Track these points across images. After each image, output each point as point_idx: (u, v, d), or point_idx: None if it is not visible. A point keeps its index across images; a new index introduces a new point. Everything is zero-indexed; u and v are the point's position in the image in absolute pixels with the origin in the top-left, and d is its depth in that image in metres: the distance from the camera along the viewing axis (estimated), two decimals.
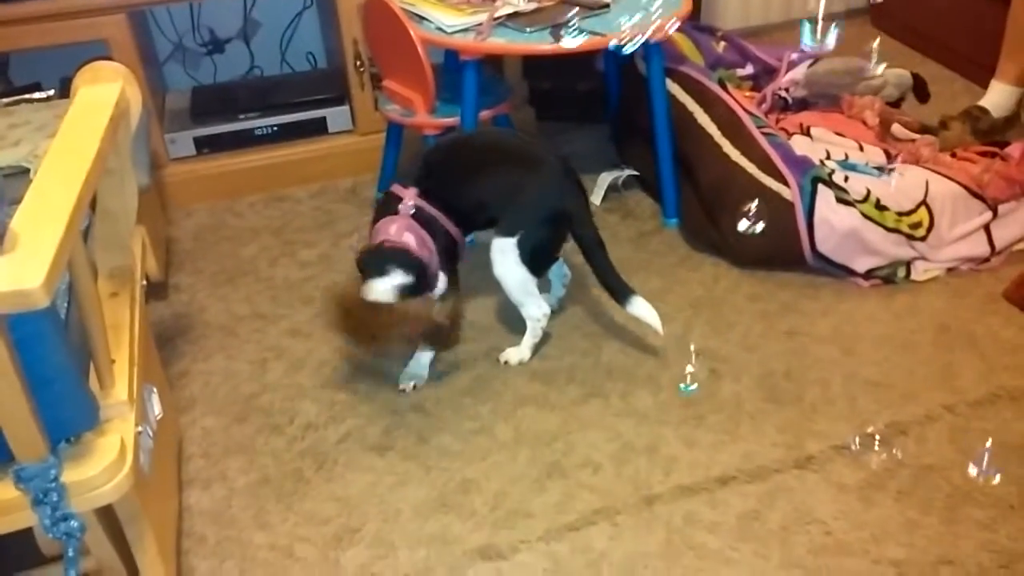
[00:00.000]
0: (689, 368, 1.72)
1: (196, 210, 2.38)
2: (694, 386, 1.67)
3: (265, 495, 1.53)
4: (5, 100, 2.11)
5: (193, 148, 2.40)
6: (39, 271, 0.92)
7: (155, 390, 1.41)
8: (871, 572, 1.35)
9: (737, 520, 1.45)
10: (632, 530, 1.44)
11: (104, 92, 1.31)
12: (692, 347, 1.78)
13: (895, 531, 1.42)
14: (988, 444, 1.56)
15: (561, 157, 1.79)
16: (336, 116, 2.48)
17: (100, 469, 1.10)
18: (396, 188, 1.72)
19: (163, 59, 2.63)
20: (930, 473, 1.52)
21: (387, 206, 1.70)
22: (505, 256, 1.70)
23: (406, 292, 1.59)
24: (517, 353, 1.80)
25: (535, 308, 1.77)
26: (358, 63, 2.39)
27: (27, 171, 1.71)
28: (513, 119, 2.35)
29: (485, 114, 2.18)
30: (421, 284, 1.62)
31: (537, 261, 1.73)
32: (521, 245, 1.69)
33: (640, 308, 1.74)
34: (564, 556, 1.40)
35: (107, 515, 1.17)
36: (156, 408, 1.39)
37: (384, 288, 1.59)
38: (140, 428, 1.23)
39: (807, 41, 1.85)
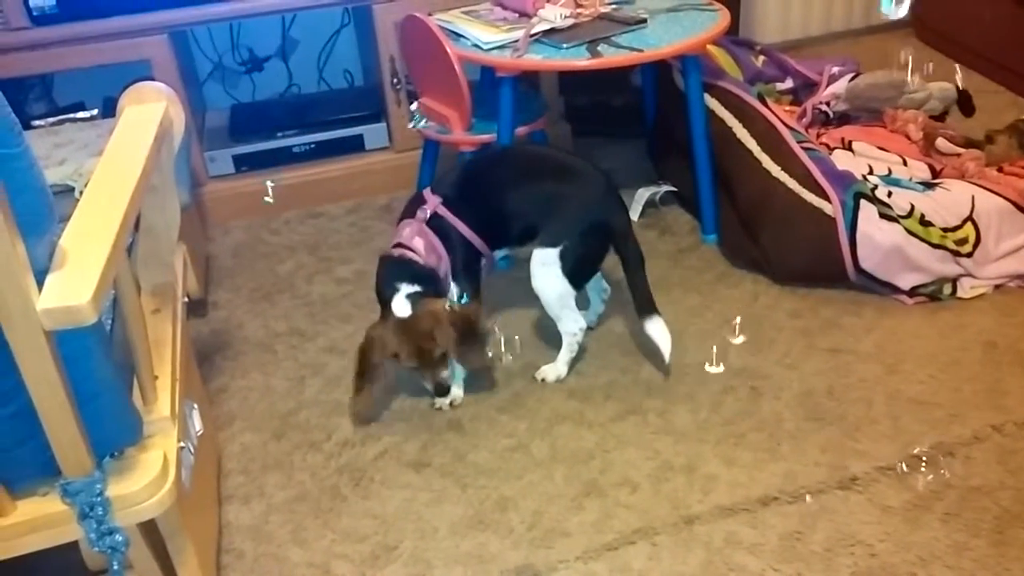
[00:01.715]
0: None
1: (234, 227, 2.41)
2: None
3: (303, 511, 1.53)
4: (50, 120, 2.17)
5: (232, 166, 2.44)
6: (87, 288, 0.93)
7: (196, 406, 1.42)
8: None
9: (779, 541, 1.42)
10: (671, 550, 1.42)
11: (149, 112, 1.33)
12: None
13: (942, 553, 1.38)
14: None
15: (603, 171, 1.79)
16: (373, 133, 2.51)
17: (144, 484, 1.12)
18: (425, 192, 1.75)
19: (203, 78, 2.68)
20: (978, 495, 1.48)
21: (411, 207, 1.74)
22: (546, 268, 1.70)
23: (415, 299, 1.61)
24: (553, 370, 1.79)
25: (572, 323, 1.76)
26: (395, 80, 2.41)
27: (72, 189, 1.75)
28: (549, 135, 2.36)
29: (521, 130, 2.18)
30: (429, 291, 1.64)
31: (578, 274, 1.72)
32: (563, 257, 1.69)
33: (657, 329, 1.72)
34: None
35: (150, 530, 1.18)
36: (197, 424, 1.40)
37: (398, 303, 1.61)
38: (182, 444, 1.24)
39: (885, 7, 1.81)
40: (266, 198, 2.29)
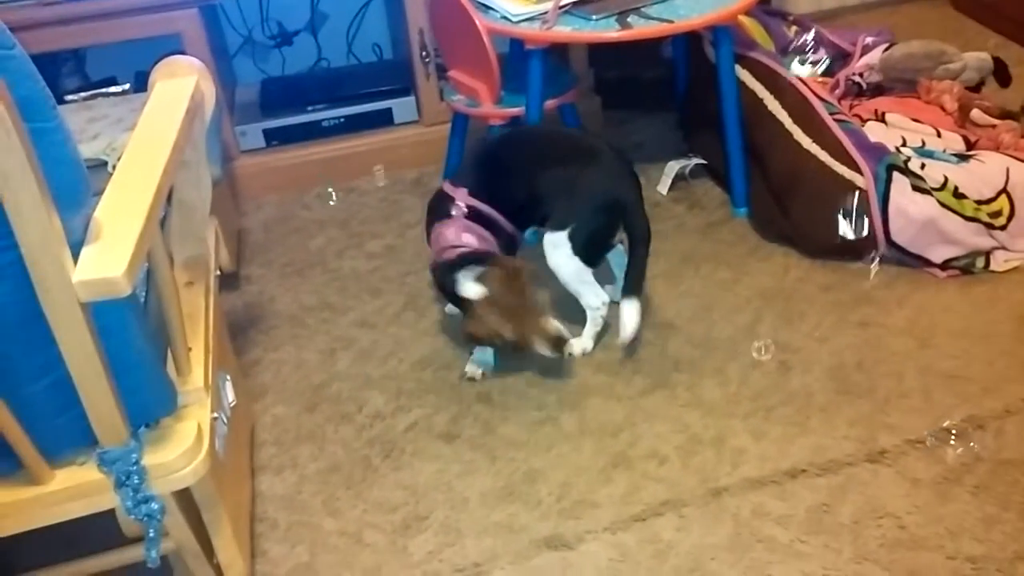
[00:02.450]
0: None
1: (266, 202, 2.43)
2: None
3: (335, 482, 1.56)
4: (83, 95, 2.19)
5: (263, 140, 2.45)
6: (122, 260, 0.95)
7: (229, 378, 1.44)
8: (946, 567, 1.31)
9: (807, 513, 1.42)
10: (699, 522, 1.42)
11: (180, 86, 1.34)
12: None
13: (972, 526, 1.37)
14: None
15: (616, 148, 1.78)
16: (402, 107, 2.51)
17: (178, 453, 1.14)
18: (447, 188, 1.75)
19: (233, 52, 2.69)
20: (1009, 468, 1.46)
21: (440, 207, 1.74)
22: (557, 249, 1.71)
23: (480, 275, 1.62)
24: (579, 344, 1.80)
25: (593, 297, 1.77)
26: (424, 54, 2.40)
27: (105, 164, 1.77)
28: (579, 108, 2.34)
29: (550, 103, 2.17)
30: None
31: (590, 252, 1.72)
32: (573, 238, 1.69)
33: (630, 312, 1.69)
34: (630, 546, 1.39)
35: (185, 498, 1.21)
36: (230, 395, 1.43)
37: (467, 289, 1.62)
38: (215, 414, 1.27)
39: None
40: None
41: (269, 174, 2.45)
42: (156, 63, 1.37)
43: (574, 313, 1.83)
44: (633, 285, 1.71)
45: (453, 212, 1.71)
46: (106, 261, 0.96)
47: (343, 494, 1.53)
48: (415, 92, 2.49)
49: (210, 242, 1.58)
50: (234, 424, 1.43)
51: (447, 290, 1.69)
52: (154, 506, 1.12)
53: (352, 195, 2.44)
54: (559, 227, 1.70)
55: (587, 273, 1.74)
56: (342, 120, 2.48)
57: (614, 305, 1.80)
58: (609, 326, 1.83)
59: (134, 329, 1.08)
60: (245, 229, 2.33)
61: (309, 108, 2.47)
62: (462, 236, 1.68)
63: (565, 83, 2.25)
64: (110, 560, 1.25)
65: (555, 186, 1.72)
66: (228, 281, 2.09)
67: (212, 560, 1.28)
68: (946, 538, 1.36)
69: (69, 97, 2.19)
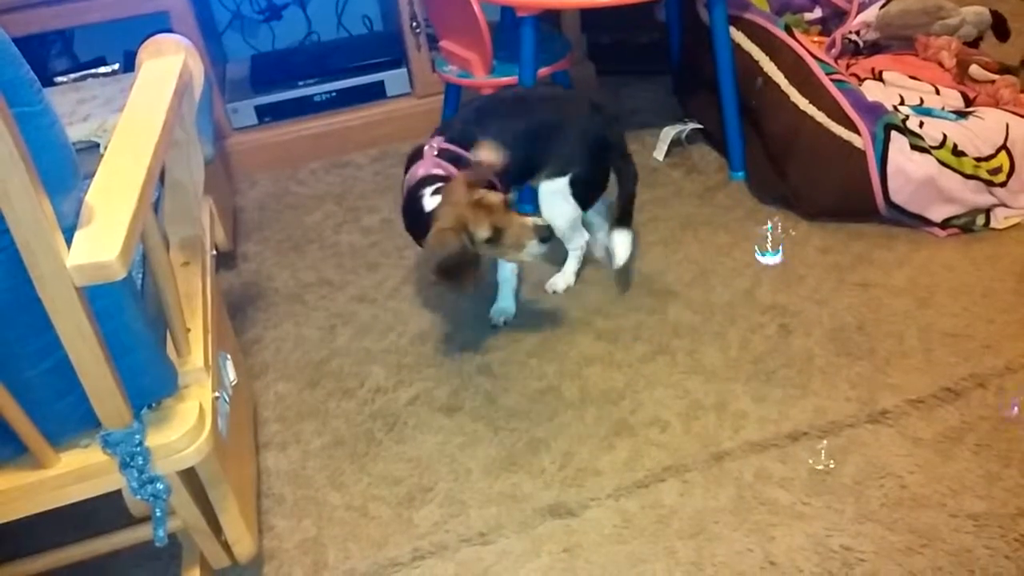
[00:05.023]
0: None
1: (260, 179, 2.42)
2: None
3: (339, 456, 1.57)
4: (72, 76, 2.17)
5: (255, 117, 2.44)
6: (115, 243, 0.94)
7: (229, 357, 1.44)
8: (948, 525, 1.32)
9: (809, 475, 1.43)
10: (702, 486, 1.43)
11: (167, 65, 1.33)
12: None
13: (973, 484, 1.38)
14: None
15: (589, 96, 1.84)
16: (394, 79, 2.49)
17: (181, 433, 1.14)
18: (423, 141, 1.75)
19: (222, 28, 2.66)
20: (1010, 425, 1.47)
21: (415, 154, 1.73)
22: (555, 196, 1.76)
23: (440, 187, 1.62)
24: (563, 279, 1.88)
25: (580, 237, 1.86)
26: (414, 24, 2.38)
27: (96, 145, 1.76)
28: (572, 75, 2.32)
29: (544, 71, 2.15)
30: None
31: (587, 195, 1.78)
32: (574, 183, 1.74)
33: (622, 240, 1.78)
34: (634, 512, 1.40)
35: (190, 477, 1.21)
36: (231, 374, 1.43)
37: (429, 202, 1.59)
38: (217, 394, 1.27)
39: None
40: None
41: (262, 151, 2.44)
42: (144, 42, 1.35)
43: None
44: (624, 218, 1.80)
45: (425, 151, 1.70)
46: (99, 245, 0.95)
47: (347, 468, 1.54)
48: (407, 64, 2.47)
49: (205, 222, 1.57)
50: (236, 403, 1.43)
51: (415, 219, 1.62)
52: (159, 486, 1.13)
53: (347, 169, 2.43)
54: (558, 174, 1.74)
55: (579, 219, 1.81)
56: (334, 94, 2.46)
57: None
58: (611, 294, 1.83)
59: (131, 311, 1.08)
60: (240, 207, 2.32)
61: (300, 83, 2.45)
62: (432, 169, 1.65)
63: (558, 50, 2.23)
64: (119, 540, 1.26)
65: (546, 137, 1.74)
66: (225, 260, 2.08)
67: (220, 537, 1.29)
68: (948, 496, 1.37)
69: (58, 79, 2.17)
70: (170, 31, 1.41)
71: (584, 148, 1.74)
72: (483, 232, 1.53)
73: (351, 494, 1.49)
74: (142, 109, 1.20)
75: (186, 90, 1.33)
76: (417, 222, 1.61)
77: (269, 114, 2.44)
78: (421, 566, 1.36)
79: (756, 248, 1.67)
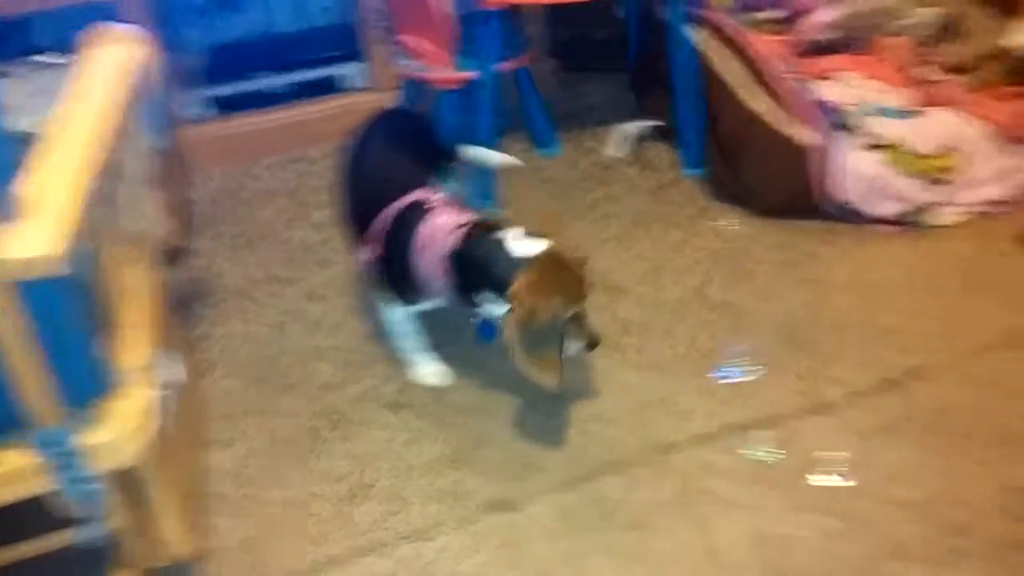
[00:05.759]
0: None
1: (214, 173, 2.39)
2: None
3: (283, 454, 1.56)
4: (18, 65, 2.13)
5: (209, 109, 2.41)
6: (53, 237, 0.92)
7: (174, 354, 1.43)
8: (882, 512, 1.35)
9: (753, 467, 1.45)
10: (646, 480, 1.44)
11: (113, 54, 1.30)
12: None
13: (908, 472, 1.41)
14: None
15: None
16: (352, 73, 2.46)
17: (119, 433, 1.12)
18: (403, 200, 1.50)
19: (175, 17, 2.62)
20: (945, 416, 1.50)
21: (409, 217, 1.47)
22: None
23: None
24: None
25: None
26: (374, 17, 2.36)
27: (38, 137, 1.73)
28: (534, 71, 2.31)
29: (505, 66, 2.15)
30: None
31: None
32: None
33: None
34: (576, 507, 1.41)
35: (128, 477, 1.20)
36: (176, 372, 1.41)
37: (523, 246, 1.39)
38: (159, 391, 1.25)
39: None
40: None
41: (216, 144, 2.41)
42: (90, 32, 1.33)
43: None
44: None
45: (433, 202, 1.49)
46: (36, 239, 0.93)
47: (291, 465, 1.53)
48: (365, 58, 2.45)
49: (154, 216, 1.55)
50: (180, 401, 1.41)
51: (489, 270, 1.37)
52: (94, 487, 1.12)
53: (302, 164, 2.41)
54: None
55: None
56: (292, 87, 2.44)
57: None
58: None
59: (70, 308, 1.06)
60: (193, 201, 2.30)
61: (257, 75, 2.43)
62: (461, 214, 1.45)
63: (519, 46, 2.22)
64: (52, 542, 1.24)
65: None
66: (177, 255, 2.06)
67: (157, 536, 1.28)
68: (883, 484, 1.39)
69: (10, 69, 2.13)
70: (119, 20, 1.39)
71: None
72: (573, 310, 1.36)
73: (292, 491, 1.49)
74: (85, 99, 1.18)
75: (134, 80, 1.31)
76: (488, 271, 1.38)
77: (223, 107, 2.41)
78: (360, 563, 1.35)
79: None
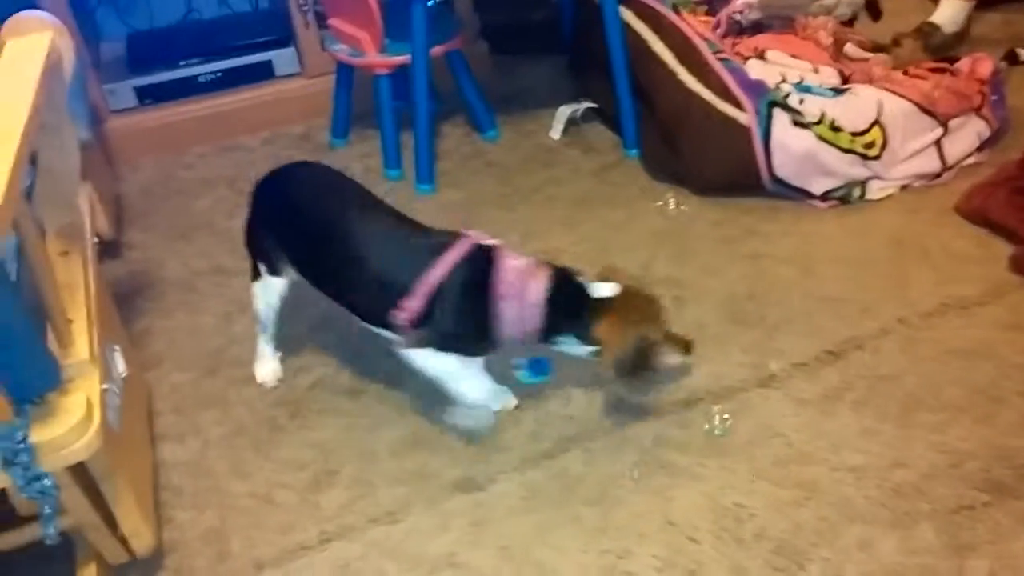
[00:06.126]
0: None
1: (143, 164, 2.32)
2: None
3: (241, 445, 1.53)
4: None
5: (134, 99, 2.33)
6: None
7: (118, 348, 1.39)
8: (830, 478, 1.41)
9: (705, 438, 1.49)
10: (604, 453, 1.47)
11: (33, 44, 1.26)
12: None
13: (852, 439, 1.47)
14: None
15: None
16: (282, 59, 2.42)
17: (68, 428, 1.10)
18: (462, 243, 1.40)
19: (94, 5, 2.52)
20: (885, 383, 1.57)
21: (473, 279, 1.38)
22: None
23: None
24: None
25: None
26: (302, 1, 2.32)
27: None
28: (466, 55, 2.31)
29: (436, 50, 2.14)
30: None
31: None
32: None
33: None
34: (540, 483, 1.43)
35: (81, 473, 1.17)
36: (120, 366, 1.38)
37: (604, 288, 1.43)
38: (105, 386, 1.22)
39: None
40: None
41: (144, 134, 2.34)
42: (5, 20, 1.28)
43: None
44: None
45: (500, 254, 1.40)
46: None
47: (250, 456, 1.51)
48: (295, 43, 2.41)
49: (84, 209, 1.50)
50: (127, 395, 1.38)
51: (576, 314, 1.40)
52: (47, 483, 1.09)
53: (238, 153, 2.36)
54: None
55: None
56: (219, 75, 2.38)
57: None
58: None
59: (5, 304, 1.02)
60: (123, 194, 2.22)
61: (182, 63, 2.36)
62: (521, 260, 1.41)
63: (450, 29, 2.22)
64: (7, 540, 1.20)
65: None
66: (109, 249, 1.99)
67: (116, 532, 1.25)
68: (829, 452, 1.45)
69: None
70: (36, 8, 1.34)
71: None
72: (652, 335, 1.41)
73: (254, 482, 1.46)
74: (6, 91, 1.14)
75: (55, 70, 1.27)
76: (576, 315, 1.39)
77: (149, 96, 2.34)
78: (329, 548, 1.35)
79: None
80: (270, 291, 1.56)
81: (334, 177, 1.54)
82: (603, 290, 1.41)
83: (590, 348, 1.42)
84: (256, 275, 1.56)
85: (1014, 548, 1.29)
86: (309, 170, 1.58)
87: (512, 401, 1.57)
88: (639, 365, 1.41)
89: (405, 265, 1.38)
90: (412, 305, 1.36)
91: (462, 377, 1.45)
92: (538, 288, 1.38)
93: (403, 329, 1.39)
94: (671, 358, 1.47)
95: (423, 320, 1.37)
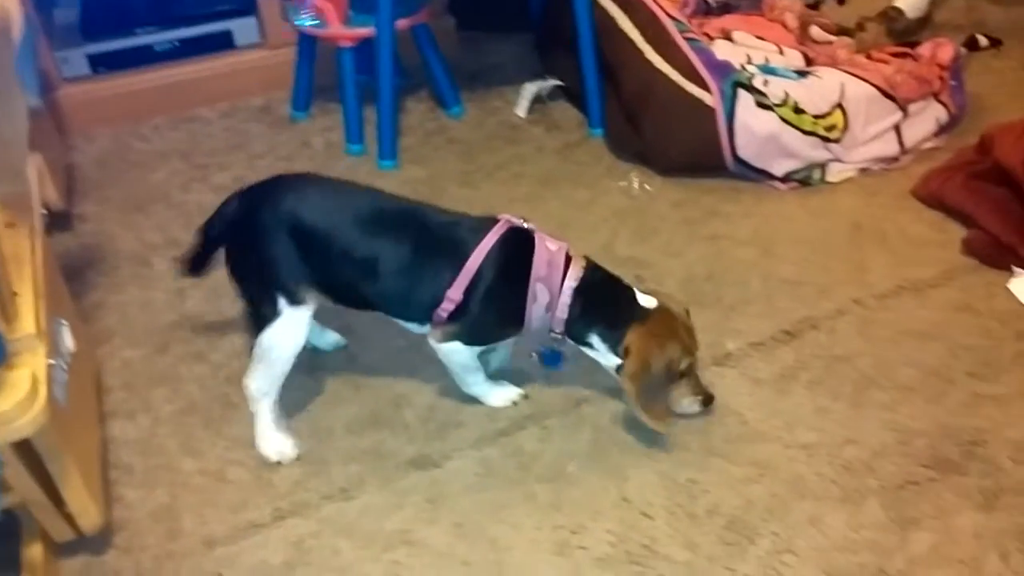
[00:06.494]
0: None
1: (98, 135, 2.26)
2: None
3: (192, 423, 1.51)
4: None
5: (88, 67, 2.27)
6: None
7: (65, 322, 1.36)
8: (783, 455, 1.43)
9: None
10: (560, 431, 1.48)
11: None
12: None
13: (806, 417, 1.49)
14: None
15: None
16: (243, 28, 2.37)
17: (12, 404, 1.08)
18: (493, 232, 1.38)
19: None
20: (839, 363, 1.59)
21: (517, 248, 1.37)
22: None
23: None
24: None
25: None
26: None
27: None
28: (433, 29, 2.28)
29: (402, 23, 2.11)
30: None
31: None
32: None
33: None
34: (496, 460, 1.43)
35: (26, 449, 1.14)
36: (68, 341, 1.35)
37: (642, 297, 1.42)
38: (52, 361, 1.19)
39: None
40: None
41: (98, 104, 2.27)
42: None
43: None
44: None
45: (544, 242, 1.40)
46: None
47: (202, 434, 1.49)
48: (256, 12, 2.36)
49: (32, 178, 1.46)
50: (76, 370, 1.35)
51: (611, 308, 1.40)
52: None
53: (195, 124, 2.31)
54: None
55: None
56: (176, 44, 2.32)
57: None
58: None
59: None
60: (75, 164, 2.17)
61: (138, 31, 2.30)
62: (555, 243, 1.40)
63: (416, 2, 2.18)
64: None
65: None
66: (60, 221, 1.94)
67: (62, 509, 1.23)
68: (783, 430, 1.47)
69: None
70: None
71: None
72: (686, 362, 1.40)
73: (206, 459, 1.44)
74: None
75: (1, 33, 1.23)
76: (610, 309, 1.39)
77: (103, 64, 2.28)
78: (282, 526, 1.33)
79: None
80: (298, 325, 1.36)
81: (337, 184, 1.46)
82: (643, 299, 1.40)
83: (614, 361, 1.40)
84: (270, 317, 1.35)
85: (957, 522, 1.32)
86: (309, 183, 1.43)
87: (516, 393, 1.55)
88: (653, 389, 1.37)
89: (443, 259, 1.35)
90: (454, 295, 1.34)
91: (474, 371, 1.48)
92: (575, 273, 1.38)
93: (439, 323, 1.38)
94: (689, 401, 1.44)
95: (460, 311, 1.36)
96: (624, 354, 1.38)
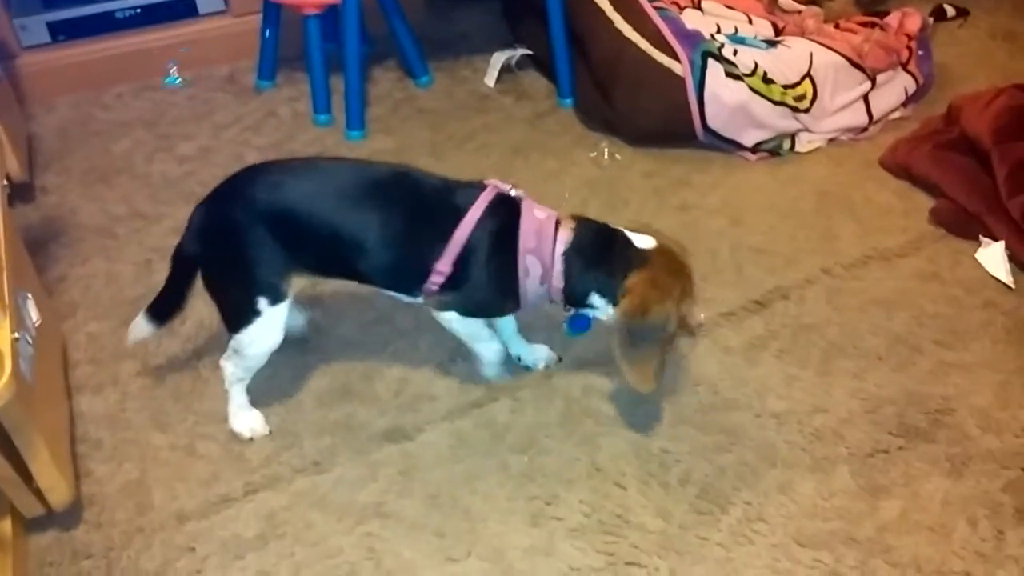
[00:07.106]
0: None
1: (58, 104, 2.21)
2: None
3: (161, 397, 1.49)
4: None
5: (47, 34, 2.21)
6: None
7: (30, 295, 1.33)
8: (753, 424, 1.45)
9: (631, 388, 1.51)
10: (533, 403, 1.48)
11: None
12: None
13: (775, 386, 1.51)
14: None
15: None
16: None
17: None
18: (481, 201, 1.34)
19: None
20: (808, 331, 1.61)
21: (500, 231, 1.33)
22: None
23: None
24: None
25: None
26: None
27: None
28: None
29: None
30: None
31: None
32: None
33: None
34: (468, 432, 1.44)
35: None
36: (33, 314, 1.32)
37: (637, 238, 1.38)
38: (16, 335, 1.17)
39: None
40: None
41: (59, 73, 2.22)
42: None
43: None
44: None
45: (526, 206, 1.38)
46: None
47: (171, 408, 1.48)
48: None
49: None
50: (41, 345, 1.33)
51: (606, 262, 1.34)
52: None
53: (159, 94, 2.26)
54: None
55: None
56: (138, 11, 2.27)
57: None
58: None
59: None
60: (36, 135, 2.11)
61: None
62: (544, 211, 1.38)
63: None
64: None
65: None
66: (22, 192, 1.90)
67: (31, 485, 1.21)
68: (753, 398, 1.49)
69: None
70: None
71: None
72: (684, 308, 1.34)
73: (176, 434, 1.43)
74: None
75: None
76: (605, 263, 1.34)
77: (64, 32, 2.21)
78: (255, 500, 1.33)
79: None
80: (276, 323, 1.34)
81: (306, 162, 1.42)
82: (638, 240, 1.35)
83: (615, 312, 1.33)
84: (250, 319, 1.32)
85: (925, 489, 1.35)
86: (276, 170, 1.37)
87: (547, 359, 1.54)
88: (643, 340, 1.31)
89: (431, 228, 1.31)
90: (443, 267, 1.31)
91: (482, 339, 1.45)
92: (564, 237, 1.34)
93: (430, 294, 1.35)
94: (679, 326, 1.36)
95: (452, 282, 1.33)
96: (623, 295, 1.31)
